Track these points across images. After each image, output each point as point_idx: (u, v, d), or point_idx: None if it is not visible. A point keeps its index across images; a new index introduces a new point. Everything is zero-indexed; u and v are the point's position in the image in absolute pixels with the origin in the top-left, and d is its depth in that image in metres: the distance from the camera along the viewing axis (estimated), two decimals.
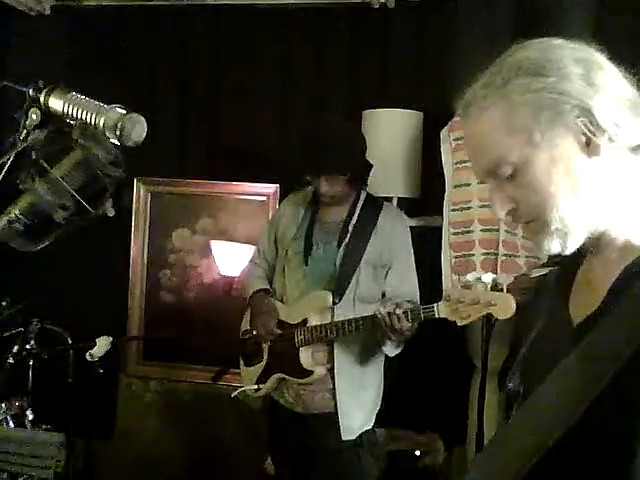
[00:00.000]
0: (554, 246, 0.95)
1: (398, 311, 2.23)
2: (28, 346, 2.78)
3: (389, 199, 2.87)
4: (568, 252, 0.95)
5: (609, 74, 0.94)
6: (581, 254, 1.01)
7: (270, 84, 3.47)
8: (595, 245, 0.97)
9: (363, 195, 2.57)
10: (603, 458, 0.86)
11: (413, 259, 2.54)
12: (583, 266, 1.03)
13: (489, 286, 2.06)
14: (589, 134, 0.91)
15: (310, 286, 2.50)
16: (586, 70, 0.92)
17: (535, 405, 0.91)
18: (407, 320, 2.24)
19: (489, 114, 0.94)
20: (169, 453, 3.45)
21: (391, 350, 2.44)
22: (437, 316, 2.19)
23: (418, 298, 2.47)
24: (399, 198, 2.98)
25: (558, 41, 0.96)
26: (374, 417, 2.52)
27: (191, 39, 3.58)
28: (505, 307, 2.02)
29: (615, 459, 0.85)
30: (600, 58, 0.95)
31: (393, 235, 2.51)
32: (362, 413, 2.48)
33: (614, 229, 0.95)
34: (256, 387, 2.57)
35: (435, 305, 2.20)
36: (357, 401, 2.46)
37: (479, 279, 2.09)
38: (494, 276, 2.12)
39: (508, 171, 0.94)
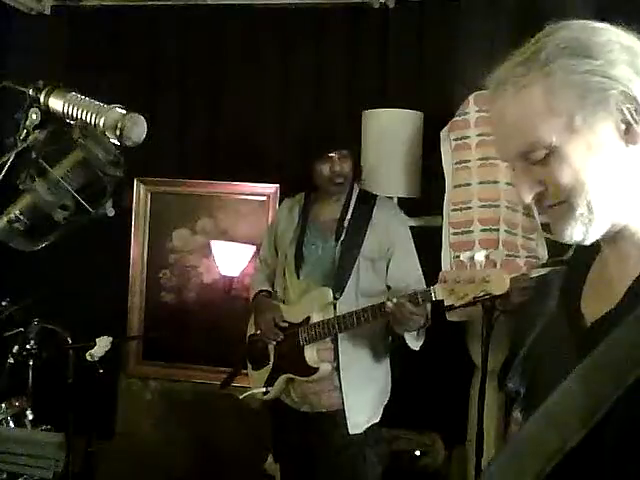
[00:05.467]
0: (576, 233, 0.90)
1: (402, 300, 2.23)
2: (28, 346, 2.78)
3: (389, 199, 2.88)
4: (588, 242, 0.92)
5: None
6: (594, 251, 0.99)
7: (270, 84, 3.47)
8: (613, 240, 0.94)
9: (356, 191, 2.59)
10: (622, 462, 0.83)
11: (414, 248, 2.54)
12: (597, 263, 1.00)
13: (483, 263, 2.08)
14: (632, 121, 0.87)
15: (311, 286, 2.51)
16: (631, 56, 0.89)
17: (554, 407, 0.87)
18: (419, 303, 2.24)
19: (528, 93, 0.89)
20: (169, 453, 3.45)
21: (414, 343, 2.44)
22: (435, 299, 2.21)
23: (424, 285, 2.46)
24: (399, 198, 2.98)
25: (602, 25, 0.93)
26: (381, 410, 2.53)
27: (191, 39, 3.58)
28: (499, 282, 2.04)
29: (634, 463, 0.82)
30: (637, 41, 0.92)
31: (389, 227, 2.52)
32: (369, 407, 2.49)
33: (636, 223, 0.92)
34: (264, 390, 2.57)
35: (432, 288, 2.21)
36: (363, 396, 2.47)
37: (472, 258, 2.11)
38: (486, 252, 2.14)
39: (541, 155, 0.90)
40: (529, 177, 0.92)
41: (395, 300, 2.24)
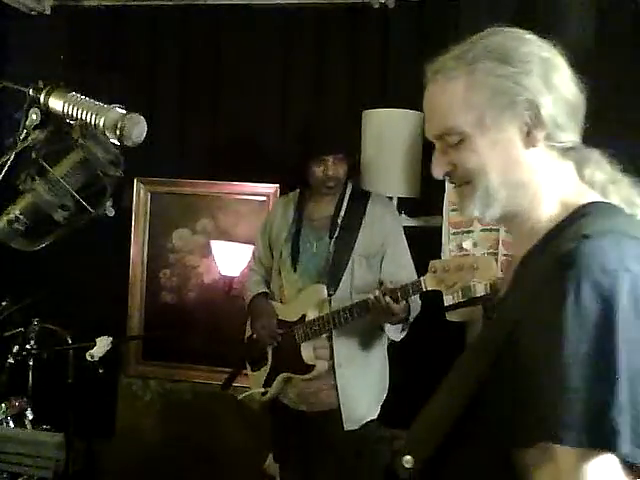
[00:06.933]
0: (476, 210, 1.06)
1: (387, 297, 2.25)
2: (28, 346, 2.78)
3: (389, 199, 2.87)
4: (486, 220, 1.08)
5: (564, 78, 1.03)
6: None
7: (270, 84, 3.47)
8: (510, 224, 1.09)
9: (349, 188, 2.60)
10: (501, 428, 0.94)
11: (406, 244, 2.56)
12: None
13: (470, 250, 2.10)
14: (531, 126, 1.01)
15: (306, 284, 2.52)
16: (545, 70, 1.01)
17: (452, 376, 1.08)
18: (398, 298, 2.25)
19: (453, 85, 1.03)
20: (169, 453, 3.45)
21: (396, 335, 2.45)
22: (425, 289, 2.22)
23: None
24: (399, 198, 2.98)
25: (529, 36, 1.05)
26: (378, 408, 2.53)
27: (191, 39, 3.58)
28: (487, 269, 2.07)
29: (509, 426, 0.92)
30: (560, 60, 1.04)
31: (383, 224, 2.53)
32: (365, 403, 2.50)
33: (528, 212, 1.05)
34: (263, 390, 2.57)
35: (422, 279, 2.22)
36: (360, 392, 2.47)
37: (460, 246, 2.13)
38: (474, 240, 2.16)
39: (455, 139, 1.04)
40: (444, 157, 1.07)
41: (375, 292, 2.26)
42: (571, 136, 1.04)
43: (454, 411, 0.99)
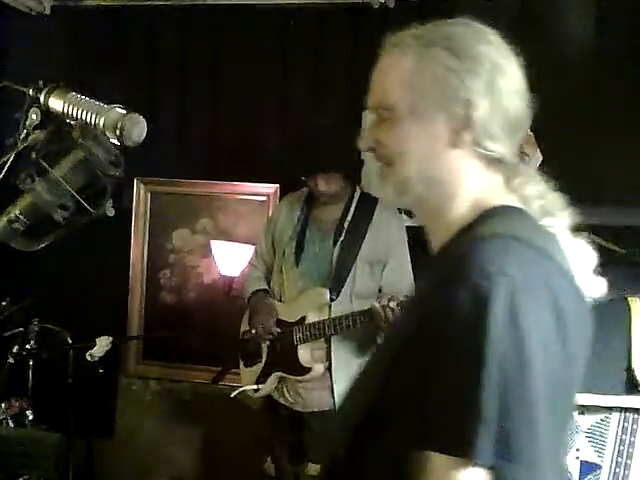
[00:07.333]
0: (389, 193, 1.05)
1: (392, 304, 2.25)
2: (28, 346, 2.78)
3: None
4: (398, 205, 1.11)
5: (510, 90, 0.99)
6: None
7: (270, 84, 3.47)
8: (424, 214, 1.08)
9: (358, 193, 2.60)
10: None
11: (408, 254, 2.55)
12: None
13: None
14: (461, 127, 0.98)
15: (308, 285, 2.52)
16: (493, 76, 0.98)
17: (365, 369, 1.09)
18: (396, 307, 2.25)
19: (403, 62, 1.01)
20: (169, 453, 3.45)
21: None
22: None
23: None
24: None
25: (494, 37, 1.03)
26: None
27: (191, 39, 3.58)
28: None
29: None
30: (514, 72, 1.01)
31: (389, 232, 2.53)
32: None
33: (441, 211, 1.03)
34: (255, 387, 2.57)
35: None
36: None
37: None
38: None
39: (386, 116, 1.02)
40: (372, 132, 1.05)
41: (382, 302, 2.26)
42: (501, 148, 0.99)
43: (363, 406, 0.98)
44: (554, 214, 1.03)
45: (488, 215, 0.98)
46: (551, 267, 0.91)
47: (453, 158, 1.00)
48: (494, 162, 1.01)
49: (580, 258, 1.02)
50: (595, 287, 1.03)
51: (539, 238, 0.95)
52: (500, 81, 0.98)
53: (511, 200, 1.01)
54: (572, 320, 0.89)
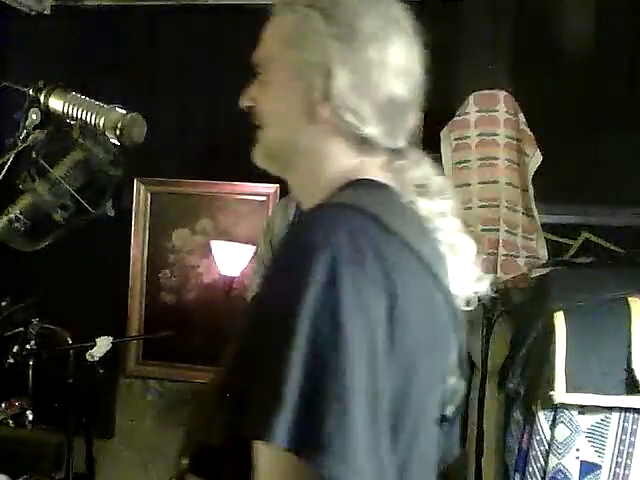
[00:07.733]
0: (258, 157, 1.04)
1: None
2: (28, 346, 2.78)
3: None
4: (269, 169, 1.04)
5: (389, 65, 0.93)
6: None
7: None
8: (291, 183, 1.03)
9: None
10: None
11: None
12: None
13: None
14: (318, 99, 0.92)
15: None
16: (366, 46, 0.91)
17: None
18: None
19: (284, 21, 0.97)
20: (169, 453, 3.44)
21: None
22: None
23: None
24: None
25: (391, 12, 0.96)
26: None
27: (191, 39, 3.58)
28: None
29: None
30: (404, 48, 0.96)
31: None
32: None
33: (306, 181, 0.99)
34: None
35: None
36: None
37: None
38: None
39: (261, 73, 1.01)
40: (252, 89, 1.04)
41: None
42: (370, 128, 0.92)
43: (216, 391, 0.92)
44: (432, 198, 0.97)
45: (347, 186, 0.92)
46: (394, 246, 0.84)
47: (313, 132, 0.95)
48: (368, 142, 0.94)
49: (457, 247, 0.97)
50: (474, 282, 1.00)
51: (394, 216, 0.88)
52: (374, 54, 0.91)
53: (383, 178, 0.94)
54: (413, 310, 0.83)
